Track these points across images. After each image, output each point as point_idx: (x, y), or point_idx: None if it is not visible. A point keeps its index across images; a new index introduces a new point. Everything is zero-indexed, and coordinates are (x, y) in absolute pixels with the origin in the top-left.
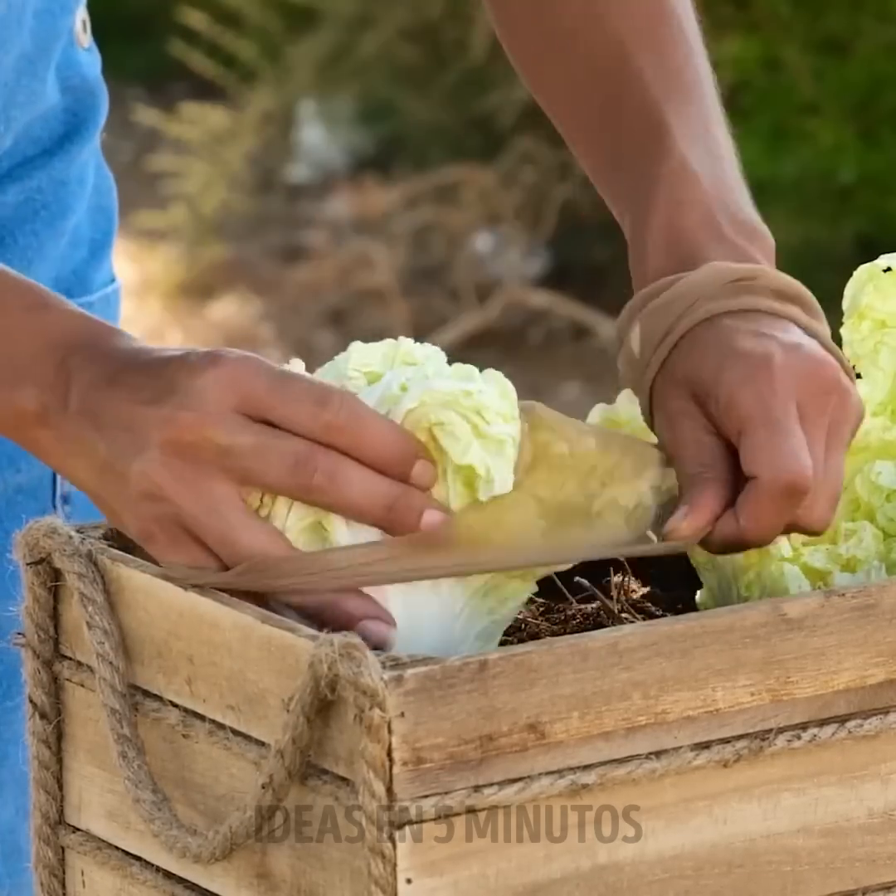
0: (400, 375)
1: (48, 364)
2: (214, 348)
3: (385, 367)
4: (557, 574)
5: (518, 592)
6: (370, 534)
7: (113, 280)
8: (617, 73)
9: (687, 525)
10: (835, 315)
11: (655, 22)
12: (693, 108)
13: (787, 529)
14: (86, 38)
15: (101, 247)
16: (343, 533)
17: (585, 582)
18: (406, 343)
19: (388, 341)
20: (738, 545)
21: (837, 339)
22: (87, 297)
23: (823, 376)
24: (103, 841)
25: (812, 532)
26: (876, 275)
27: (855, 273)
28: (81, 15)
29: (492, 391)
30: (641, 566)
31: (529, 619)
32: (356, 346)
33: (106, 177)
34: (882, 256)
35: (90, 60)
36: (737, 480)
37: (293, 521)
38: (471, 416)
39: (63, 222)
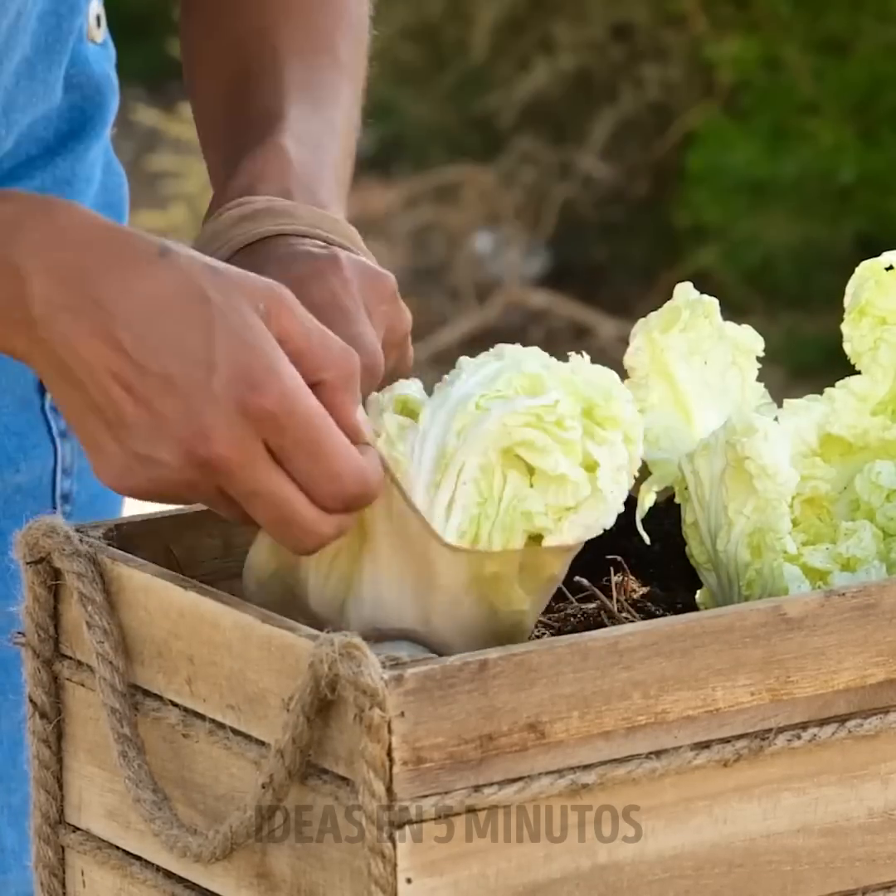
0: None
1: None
2: (252, 366)
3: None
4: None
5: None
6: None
7: None
8: (257, 60)
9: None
10: (835, 314)
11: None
12: (318, 114)
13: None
14: (99, 33)
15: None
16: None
17: (585, 581)
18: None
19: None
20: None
21: (839, 336)
22: None
23: (385, 284)
24: (103, 840)
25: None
26: (877, 272)
27: (856, 270)
28: (96, 10)
29: (568, 399)
30: (641, 566)
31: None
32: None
33: (116, 173)
34: (884, 254)
35: (101, 56)
36: None
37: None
38: (555, 431)
39: None
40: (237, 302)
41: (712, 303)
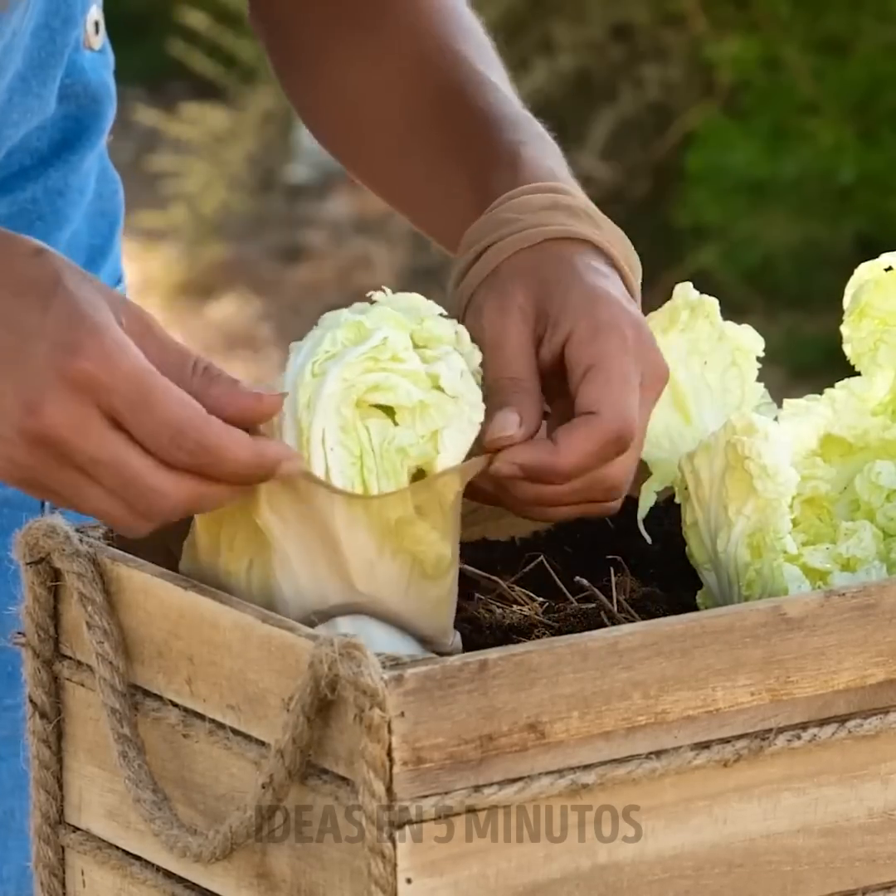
0: (307, 361)
1: None
2: (69, 323)
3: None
4: (557, 573)
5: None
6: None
7: (117, 282)
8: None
9: (521, 433)
10: (835, 314)
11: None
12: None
13: (599, 480)
14: (97, 40)
15: (100, 252)
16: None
17: (585, 582)
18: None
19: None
20: (542, 473)
21: (839, 337)
22: None
23: (647, 343)
24: (103, 840)
25: (609, 489)
26: (877, 273)
27: (856, 271)
28: (94, 16)
29: (395, 332)
30: (641, 566)
31: (532, 617)
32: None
33: (111, 181)
34: (883, 255)
35: (98, 63)
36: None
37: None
38: (394, 366)
39: (59, 233)
40: (89, 292)
41: (712, 303)
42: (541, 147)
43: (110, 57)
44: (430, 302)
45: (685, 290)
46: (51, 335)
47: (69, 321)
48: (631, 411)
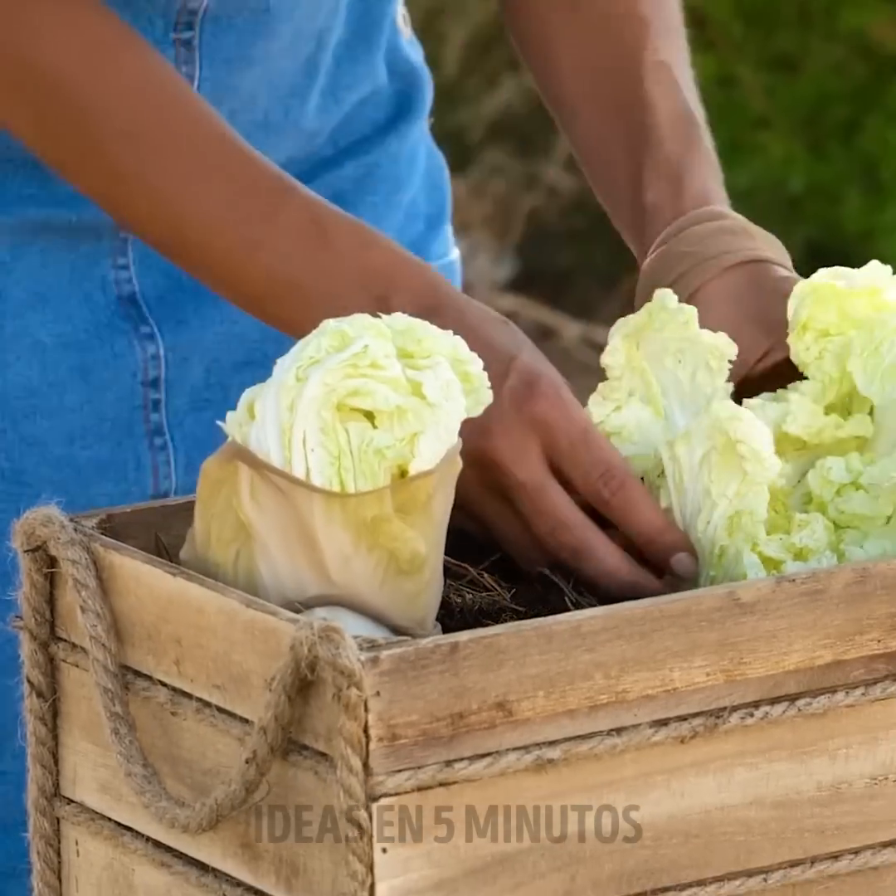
0: (291, 366)
1: (365, 298)
2: (532, 374)
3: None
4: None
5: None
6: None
7: (448, 252)
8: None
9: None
10: None
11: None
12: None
13: None
14: (407, 31)
15: (437, 221)
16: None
17: (547, 571)
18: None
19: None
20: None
21: None
22: None
23: None
24: (96, 812)
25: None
26: (816, 289)
27: (795, 289)
28: (402, 10)
29: (376, 341)
30: None
31: (500, 602)
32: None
33: (437, 157)
34: (820, 271)
35: (413, 50)
36: None
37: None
38: (374, 372)
39: (399, 195)
40: (548, 366)
41: (691, 311)
42: (700, 162)
43: (419, 48)
44: (424, 322)
45: (664, 296)
46: (515, 375)
47: (534, 369)
48: None
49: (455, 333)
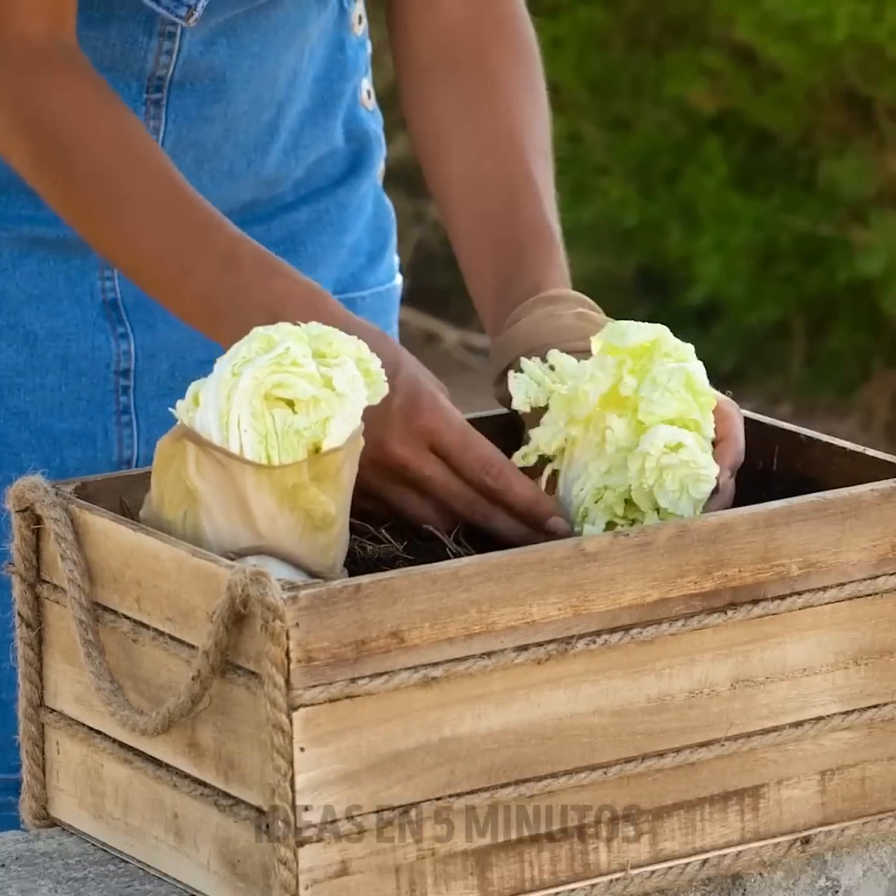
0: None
1: (264, 317)
2: (412, 389)
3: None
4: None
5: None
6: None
7: (389, 280)
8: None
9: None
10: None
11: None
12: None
13: None
14: (370, 103)
15: (378, 256)
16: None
17: (431, 528)
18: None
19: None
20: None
21: None
22: (360, 292)
23: None
24: (73, 719)
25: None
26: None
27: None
28: (366, 86)
29: (296, 344)
30: None
31: (395, 552)
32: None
33: (384, 203)
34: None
35: (371, 119)
36: None
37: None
38: (294, 369)
39: (344, 236)
40: (421, 369)
41: (688, 348)
42: (556, 279)
43: (380, 117)
44: (333, 328)
45: (662, 334)
46: (400, 393)
47: (413, 384)
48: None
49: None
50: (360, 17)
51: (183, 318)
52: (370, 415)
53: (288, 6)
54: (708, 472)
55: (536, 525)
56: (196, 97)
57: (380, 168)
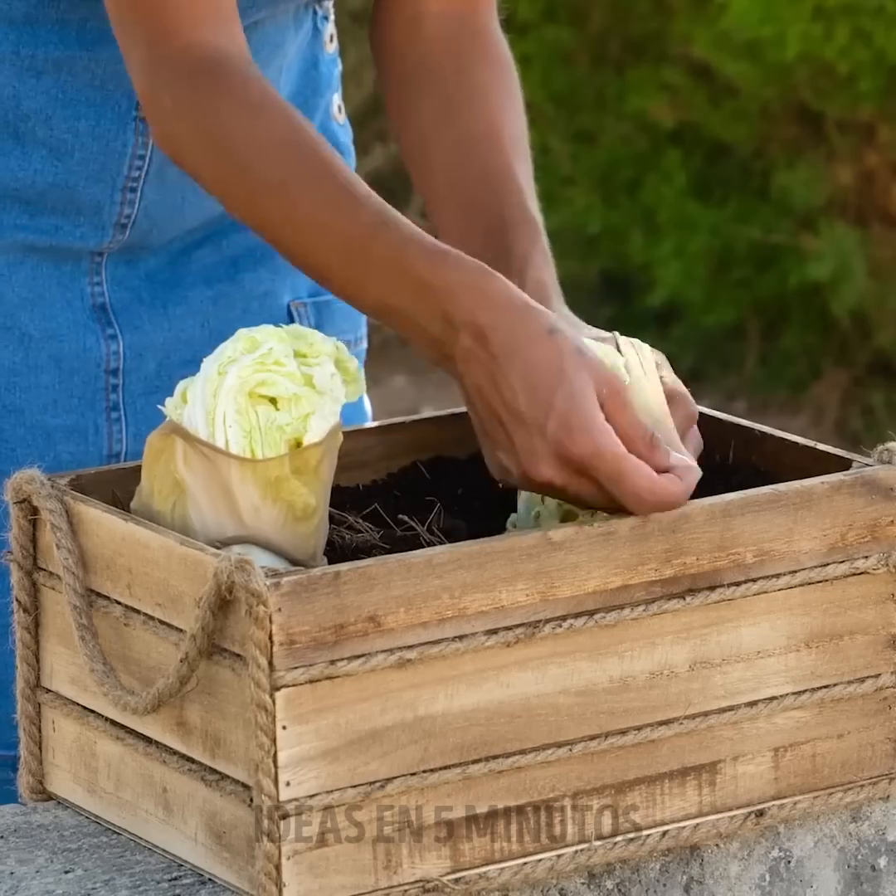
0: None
1: (437, 319)
2: (568, 405)
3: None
4: (386, 509)
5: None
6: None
7: None
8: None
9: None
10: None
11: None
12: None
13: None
14: (341, 117)
15: None
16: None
17: (406, 517)
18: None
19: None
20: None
21: None
22: (330, 296)
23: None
24: (68, 699)
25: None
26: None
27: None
28: (337, 101)
29: (278, 345)
30: (449, 505)
31: (371, 541)
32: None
33: None
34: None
35: (342, 132)
36: None
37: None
38: (276, 368)
39: None
40: (584, 381)
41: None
42: (540, 259)
43: (350, 130)
44: (313, 330)
45: (640, 350)
46: (556, 416)
47: (571, 406)
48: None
49: (498, 358)
50: (332, 36)
51: (366, 310)
52: (525, 428)
53: (267, 27)
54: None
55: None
56: None
57: None
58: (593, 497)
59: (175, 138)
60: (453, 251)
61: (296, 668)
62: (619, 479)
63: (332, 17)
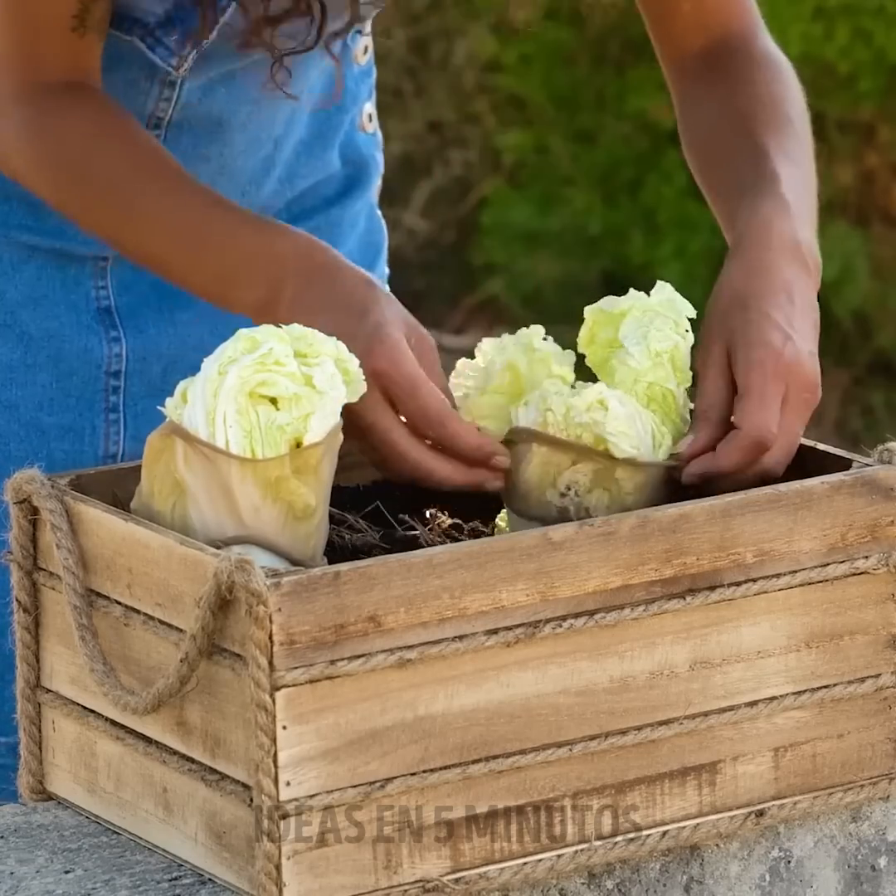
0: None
1: (263, 278)
2: (375, 331)
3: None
4: (387, 508)
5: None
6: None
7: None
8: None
9: (688, 451)
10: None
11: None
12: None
13: (751, 471)
14: (371, 127)
15: (368, 269)
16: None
17: (407, 517)
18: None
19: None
20: (710, 476)
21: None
22: None
23: (807, 378)
24: (68, 699)
25: (769, 475)
26: (597, 313)
27: (585, 312)
28: (369, 109)
29: (278, 345)
30: (448, 506)
31: (371, 541)
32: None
33: (377, 219)
34: (605, 299)
35: (370, 143)
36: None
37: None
38: (277, 368)
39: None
40: (394, 314)
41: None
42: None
43: (379, 138)
44: (313, 330)
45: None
46: (361, 339)
47: (375, 331)
48: (766, 424)
49: (313, 307)
50: (366, 48)
51: (199, 294)
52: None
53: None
54: (616, 442)
55: (482, 464)
56: (193, 137)
57: (375, 186)
58: (384, 434)
59: (11, 158)
60: (282, 224)
61: (296, 667)
62: (410, 395)
63: (368, 29)
